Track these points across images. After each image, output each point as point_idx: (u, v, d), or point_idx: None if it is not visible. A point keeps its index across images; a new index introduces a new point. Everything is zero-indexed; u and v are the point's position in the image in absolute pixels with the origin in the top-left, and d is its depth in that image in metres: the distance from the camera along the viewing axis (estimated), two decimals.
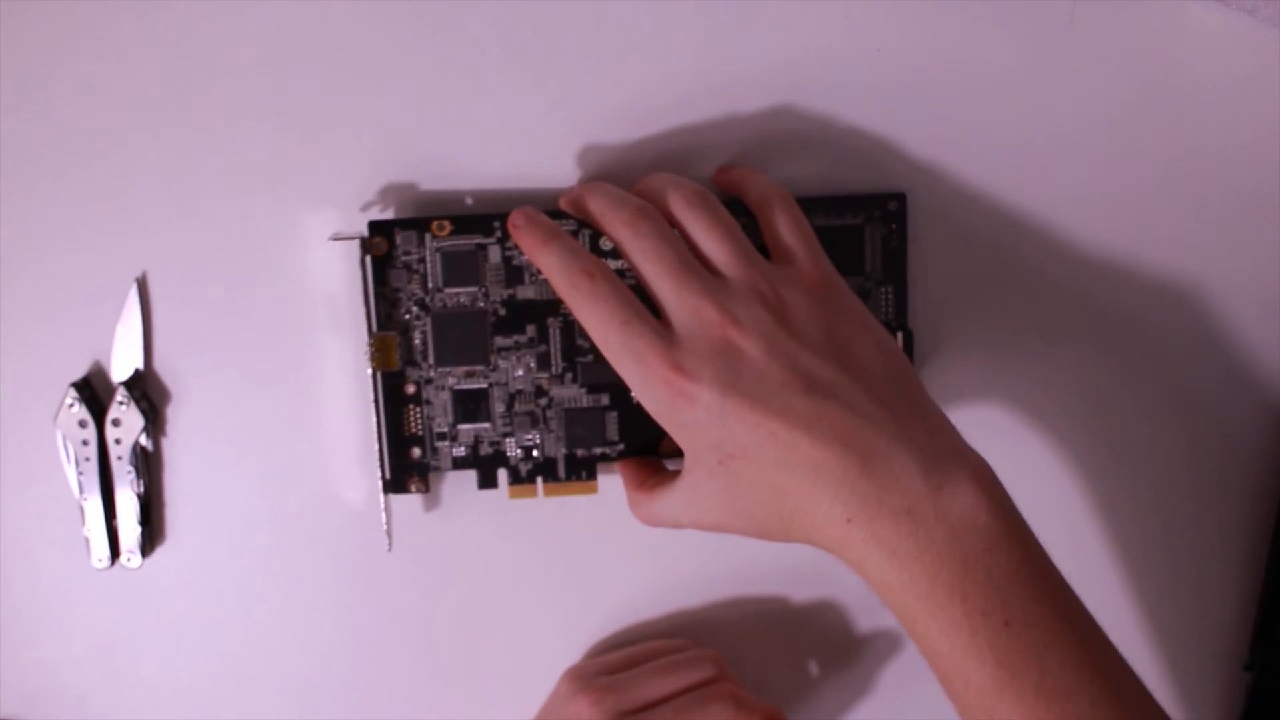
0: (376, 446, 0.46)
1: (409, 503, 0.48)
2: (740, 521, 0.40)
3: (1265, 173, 0.48)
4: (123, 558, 0.47)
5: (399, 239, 0.45)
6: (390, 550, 0.47)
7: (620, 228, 0.41)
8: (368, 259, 0.45)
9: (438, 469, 0.47)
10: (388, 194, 0.46)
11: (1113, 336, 0.48)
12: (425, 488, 0.47)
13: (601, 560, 0.49)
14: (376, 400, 0.46)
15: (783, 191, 0.44)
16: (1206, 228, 0.48)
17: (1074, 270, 0.48)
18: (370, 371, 0.45)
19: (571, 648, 0.49)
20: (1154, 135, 0.47)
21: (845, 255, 0.46)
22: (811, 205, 0.46)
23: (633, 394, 0.44)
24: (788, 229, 0.43)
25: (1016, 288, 0.48)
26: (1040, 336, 0.48)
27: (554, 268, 0.41)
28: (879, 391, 0.39)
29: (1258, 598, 0.50)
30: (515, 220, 0.43)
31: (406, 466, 0.47)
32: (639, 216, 0.41)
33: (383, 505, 0.46)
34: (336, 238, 0.45)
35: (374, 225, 0.45)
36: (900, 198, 0.46)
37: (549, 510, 0.48)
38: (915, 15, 0.46)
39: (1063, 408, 0.49)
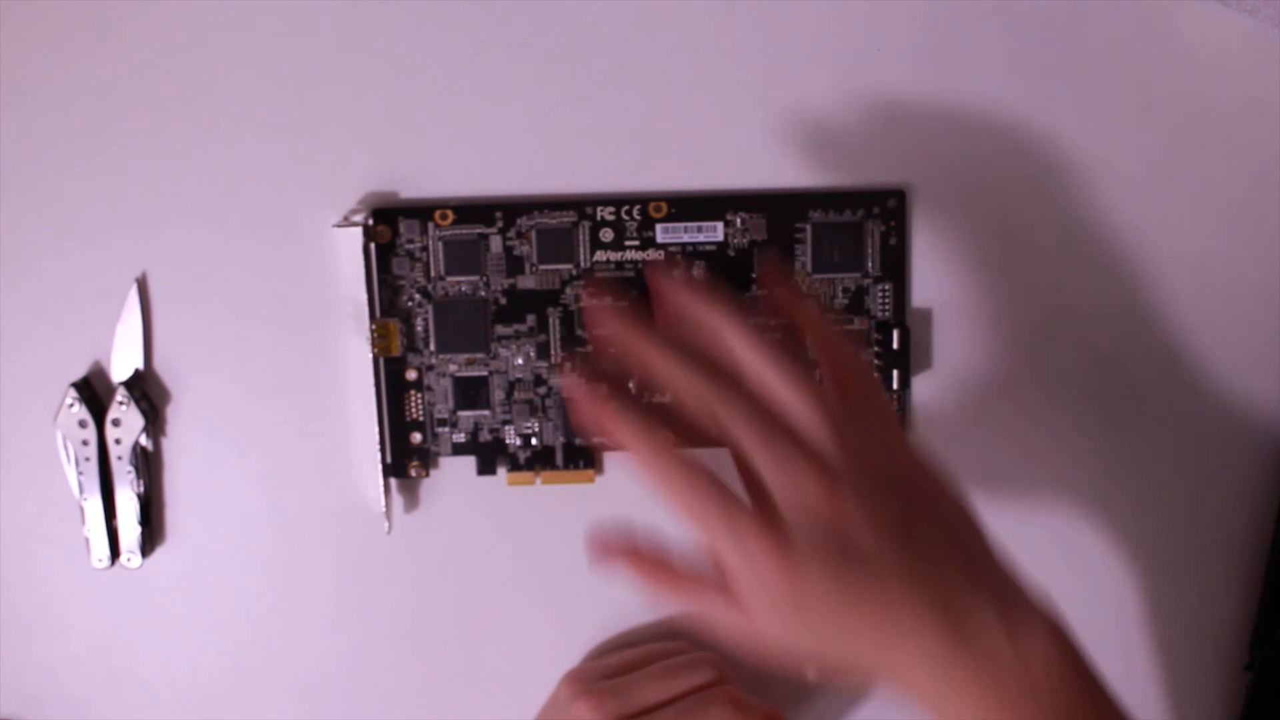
0: (377, 430, 0.46)
1: (408, 493, 0.48)
2: (811, 654, 0.40)
3: (1265, 173, 0.48)
4: (123, 558, 0.47)
5: (402, 227, 0.46)
6: (389, 533, 0.47)
7: (705, 396, 0.40)
8: (371, 246, 0.46)
9: (438, 454, 0.47)
10: (380, 198, 0.46)
11: (1112, 334, 0.48)
12: (425, 472, 0.48)
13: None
14: (378, 385, 0.46)
15: (842, 335, 0.42)
16: (1206, 227, 0.48)
17: (1072, 270, 0.48)
18: (372, 356, 0.46)
19: (569, 641, 0.49)
20: (1153, 134, 0.47)
21: (844, 252, 0.47)
22: (811, 201, 0.46)
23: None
24: (854, 373, 0.41)
25: (1014, 286, 0.48)
26: (1038, 335, 0.48)
27: (634, 442, 0.40)
28: (960, 546, 0.39)
29: (1258, 597, 0.50)
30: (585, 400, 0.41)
31: (407, 451, 0.47)
32: (727, 387, 0.40)
33: (382, 487, 0.47)
34: (340, 225, 0.45)
35: (378, 213, 0.46)
36: (900, 194, 0.47)
37: (547, 499, 0.48)
38: (915, 15, 0.46)
39: (1061, 406, 0.49)
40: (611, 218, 0.46)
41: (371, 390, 0.46)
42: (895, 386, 0.47)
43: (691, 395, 0.40)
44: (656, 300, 0.42)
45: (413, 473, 0.48)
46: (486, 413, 0.47)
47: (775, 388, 0.40)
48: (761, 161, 0.47)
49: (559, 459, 0.47)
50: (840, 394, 0.41)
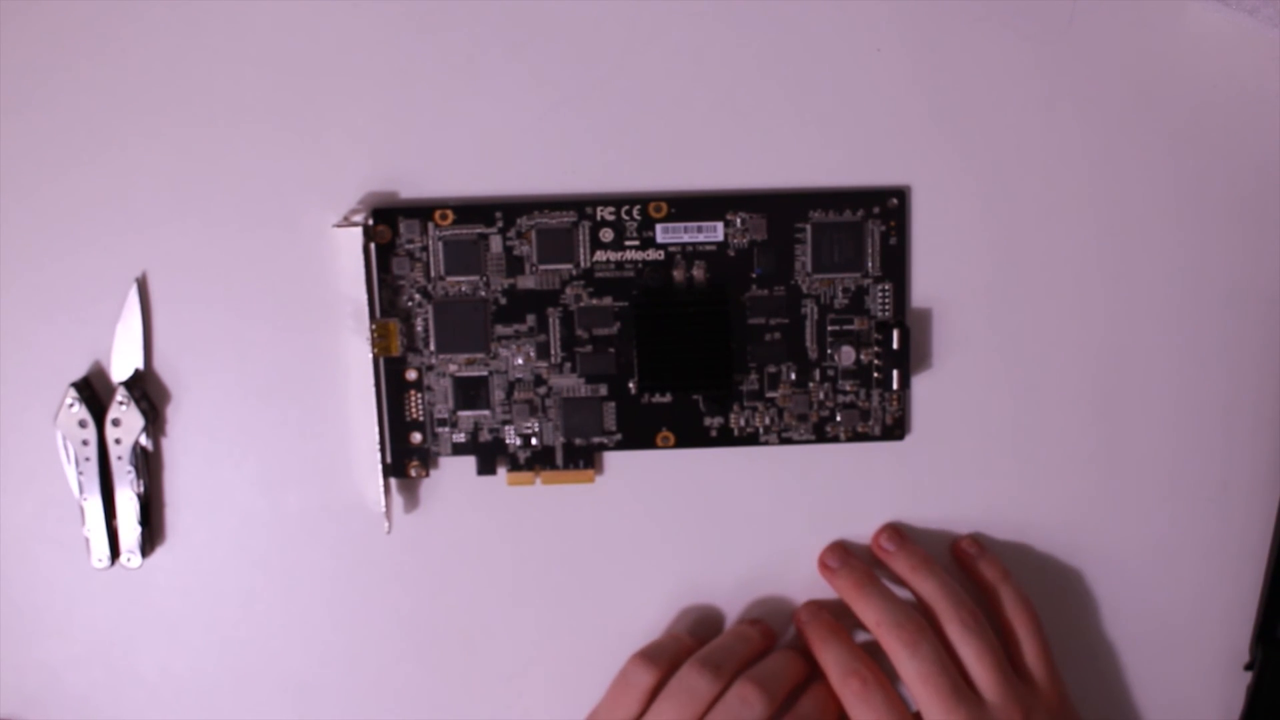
0: (377, 430, 0.46)
1: (408, 493, 0.48)
2: None
3: (1265, 172, 0.48)
4: (123, 558, 0.47)
5: (402, 227, 0.46)
6: (389, 533, 0.47)
7: (899, 646, 0.45)
8: (371, 246, 0.46)
9: (438, 454, 0.47)
10: (380, 198, 0.46)
11: (1112, 335, 0.48)
12: (425, 472, 0.48)
13: (598, 550, 0.49)
14: (378, 385, 0.46)
15: (1033, 613, 0.48)
16: (1206, 226, 0.48)
17: (1073, 269, 0.48)
18: (372, 356, 0.46)
19: (569, 640, 0.49)
20: (1153, 135, 0.47)
21: (844, 252, 0.47)
22: (811, 201, 0.46)
23: None
24: (1034, 655, 0.47)
25: (1014, 286, 0.48)
26: (1038, 335, 0.48)
27: (830, 662, 0.47)
28: None
29: (1258, 597, 0.50)
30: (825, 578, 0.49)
31: (407, 451, 0.47)
32: (919, 638, 0.45)
33: (382, 487, 0.47)
34: (340, 224, 0.45)
35: (377, 213, 0.46)
36: (901, 194, 0.47)
37: (547, 499, 0.48)
38: (915, 15, 0.46)
39: (1063, 405, 0.49)
40: (611, 218, 0.46)
41: (371, 390, 0.46)
42: (895, 386, 0.47)
43: (887, 645, 0.46)
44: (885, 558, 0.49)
45: (413, 473, 0.48)
46: (486, 413, 0.47)
47: (962, 646, 0.46)
48: (761, 161, 0.47)
49: (559, 459, 0.48)
50: (1019, 665, 0.47)
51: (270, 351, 0.47)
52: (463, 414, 0.47)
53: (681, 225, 0.47)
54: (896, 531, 0.49)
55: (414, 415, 0.47)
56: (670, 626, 0.49)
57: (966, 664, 0.46)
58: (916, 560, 0.48)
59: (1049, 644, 0.48)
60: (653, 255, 0.47)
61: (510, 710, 0.49)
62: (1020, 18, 0.47)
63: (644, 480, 0.48)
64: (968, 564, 0.49)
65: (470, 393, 0.47)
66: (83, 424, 0.46)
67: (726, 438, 0.48)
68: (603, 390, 0.47)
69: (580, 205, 0.46)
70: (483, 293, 0.47)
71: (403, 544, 0.48)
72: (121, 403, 0.46)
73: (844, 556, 0.48)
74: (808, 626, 0.48)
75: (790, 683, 0.47)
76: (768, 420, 0.48)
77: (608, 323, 0.47)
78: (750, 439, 0.48)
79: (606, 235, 0.46)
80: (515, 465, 0.48)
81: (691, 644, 0.48)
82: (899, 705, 0.45)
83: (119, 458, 0.46)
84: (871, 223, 0.47)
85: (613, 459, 0.48)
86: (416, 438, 0.47)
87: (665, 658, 0.47)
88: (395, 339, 0.46)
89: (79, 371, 0.47)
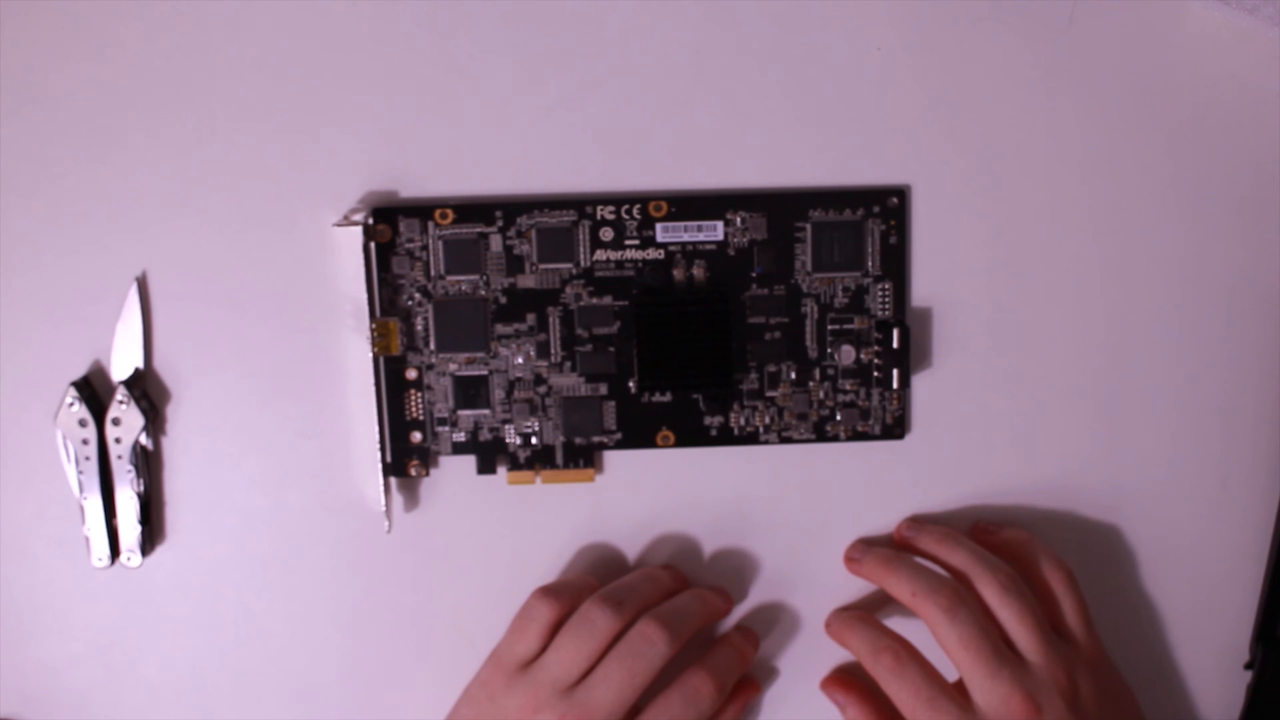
0: (377, 429, 0.46)
1: (408, 492, 0.48)
2: None
3: (1265, 172, 0.48)
4: (123, 557, 0.47)
5: (402, 226, 0.46)
6: (389, 532, 0.47)
7: (937, 612, 0.44)
8: (371, 245, 0.46)
9: (438, 453, 0.47)
10: (380, 198, 0.46)
11: (1112, 334, 0.48)
12: (425, 471, 0.48)
13: (598, 550, 0.49)
14: (378, 384, 0.46)
15: (1067, 569, 0.47)
16: (1206, 226, 0.48)
17: (1072, 268, 0.48)
18: (372, 356, 0.46)
19: None
20: (1153, 135, 0.47)
21: (844, 251, 0.47)
22: (811, 200, 0.46)
23: None
24: (1073, 612, 0.47)
25: (1014, 286, 0.48)
26: (1038, 334, 0.48)
27: (859, 643, 0.46)
28: None
29: (1258, 597, 0.50)
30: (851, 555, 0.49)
31: (407, 450, 0.47)
32: (956, 602, 0.44)
33: (382, 486, 0.47)
34: (340, 224, 0.45)
35: (378, 212, 0.46)
36: (901, 193, 0.47)
37: (547, 498, 0.48)
38: (915, 15, 0.46)
39: (1062, 404, 0.49)
40: (611, 217, 0.46)
41: (371, 390, 0.46)
42: (895, 386, 0.47)
43: (924, 613, 0.45)
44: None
45: (413, 472, 0.48)
46: (486, 412, 0.47)
47: (1000, 609, 0.45)
48: (761, 161, 0.47)
49: (559, 458, 0.48)
50: (1058, 623, 0.46)
51: (270, 351, 0.47)
52: (463, 413, 0.47)
53: (681, 224, 0.47)
54: (914, 520, 0.49)
55: (414, 414, 0.47)
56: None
57: (1006, 626, 0.45)
58: (941, 533, 0.47)
59: (1085, 600, 0.47)
60: (653, 254, 0.47)
61: None
62: (1020, 18, 0.47)
63: (644, 480, 0.48)
64: (991, 537, 0.48)
65: (470, 392, 0.47)
66: (83, 423, 0.46)
67: (726, 437, 0.48)
68: (602, 389, 0.47)
69: (580, 204, 0.46)
70: (483, 292, 0.47)
71: (403, 543, 0.48)
72: (121, 402, 0.46)
73: (866, 545, 0.48)
74: (835, 622, 0.48)
75: (697, 624, 0.46)
76: (768, 419, 0.48)
77: (608, 322, 0.47)
78: (750, 438, 0.48)
79: (606, 234, 0.46)
80: (515, 464, 0.48)
81: (595, 583, 0.47)
82: (935, 675, 0.45)
83: (119, 457, 0.46)
84: (871, 222, 0.47)
85: (613, 458, 0.48)
86: (416, 437, 0.47)
87: (568, 594, 0.46)
88: (395, 338, 0.46)
89: (79, 371, 0.47)
